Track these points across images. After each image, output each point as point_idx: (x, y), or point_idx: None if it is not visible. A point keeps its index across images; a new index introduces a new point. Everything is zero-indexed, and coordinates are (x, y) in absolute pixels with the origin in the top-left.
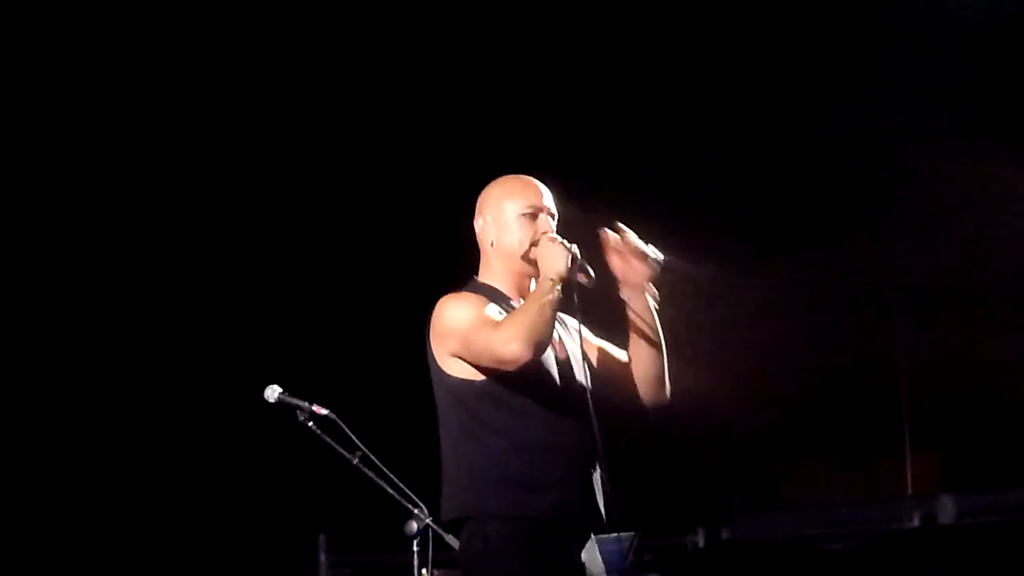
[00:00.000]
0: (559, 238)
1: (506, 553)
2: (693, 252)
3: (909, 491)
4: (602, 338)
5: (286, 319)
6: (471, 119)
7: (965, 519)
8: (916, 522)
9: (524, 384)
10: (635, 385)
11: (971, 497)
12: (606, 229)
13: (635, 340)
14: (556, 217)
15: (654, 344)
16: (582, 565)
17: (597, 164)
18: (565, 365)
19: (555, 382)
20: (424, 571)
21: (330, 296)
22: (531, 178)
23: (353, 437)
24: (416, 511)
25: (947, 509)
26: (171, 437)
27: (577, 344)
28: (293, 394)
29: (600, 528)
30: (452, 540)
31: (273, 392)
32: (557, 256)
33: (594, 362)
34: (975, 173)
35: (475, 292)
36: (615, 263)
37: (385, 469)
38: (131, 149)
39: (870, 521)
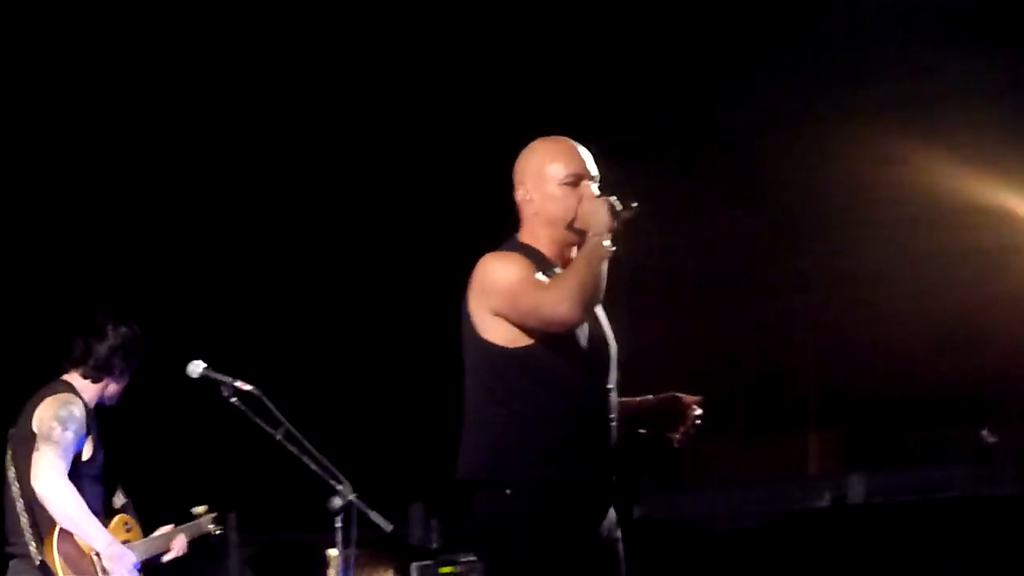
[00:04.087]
0: (597, 193)
1: (521, 522)
2: None
3: (813, 470)
4: None
5: (209, 295)
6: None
7: (875, 498)
8: (826, 501)
9: (556, 353)
10: None
11: (880, 476)
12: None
13: None
14: (598, 178)
15: None
16: (600, 534)
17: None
18: (596, 335)
19: (585, 353)
20: (330, 551)
21: (256, 272)
22: (570, 141)
23: (277, 413)
24: (340, 487)
25: (857, 488)
26: None
27: (604, 314)
28: (217, 369)
29: (616, 500)
30: (377, 517)
31: (197, 367)
32: (600, 211)
33: None
34: (882, 158)
35: (519, 252)
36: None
37: (309, 445)
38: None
39: (780, 500)
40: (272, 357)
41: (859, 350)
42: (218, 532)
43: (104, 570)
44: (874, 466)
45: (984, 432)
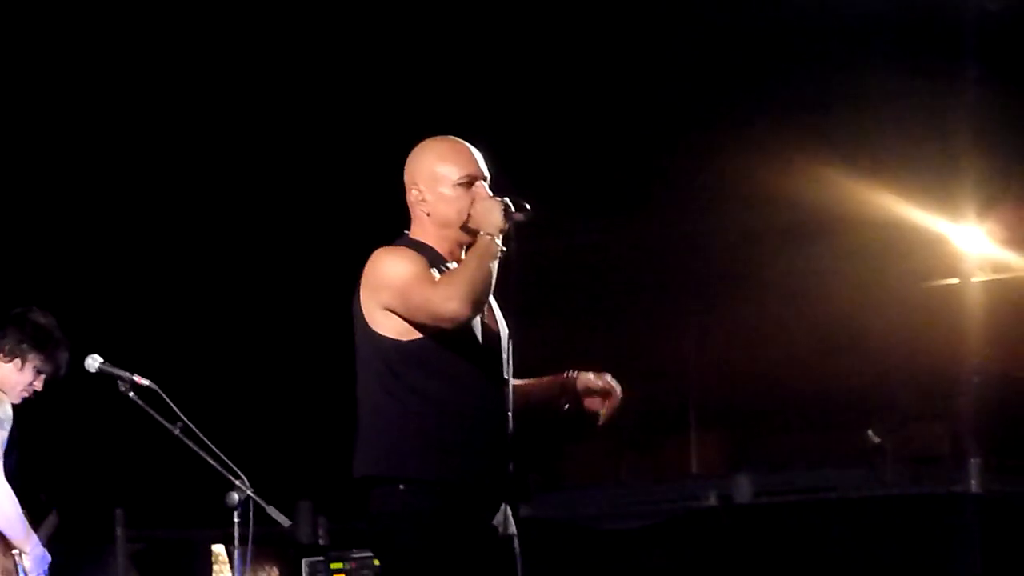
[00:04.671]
0: (490, 193)
1: (417, 518)
2: None
3: (695, 472)
4: None
5: (104, 289)
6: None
7: (761, 498)
8: (713, 501)
9: (449, 346)
10: None
11: (766, 476)
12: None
13: None
14: (489, 178)
15: None
16: (495, 529)
17: None
18: (490, 329)
19: (480, 346)
20: (216, 547)
21: (151, 268)
22: (461, 141)
23: (175, 408)
24: (237, 482)
25: (743, 488)
26: None
27: (498, 307)
28: (114, 364)
29: (512, 494)
30: (275, 513)
31: (94, 362)
32: (492, 211)
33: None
34: (773, 165)
35: (410, 248)
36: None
37: (206, 440)
38: None
39: (668, 499)
40: (155, 351)
41: (744, 353)
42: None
43: (26, 571)
44: (758, 467)
45: (868, 434)
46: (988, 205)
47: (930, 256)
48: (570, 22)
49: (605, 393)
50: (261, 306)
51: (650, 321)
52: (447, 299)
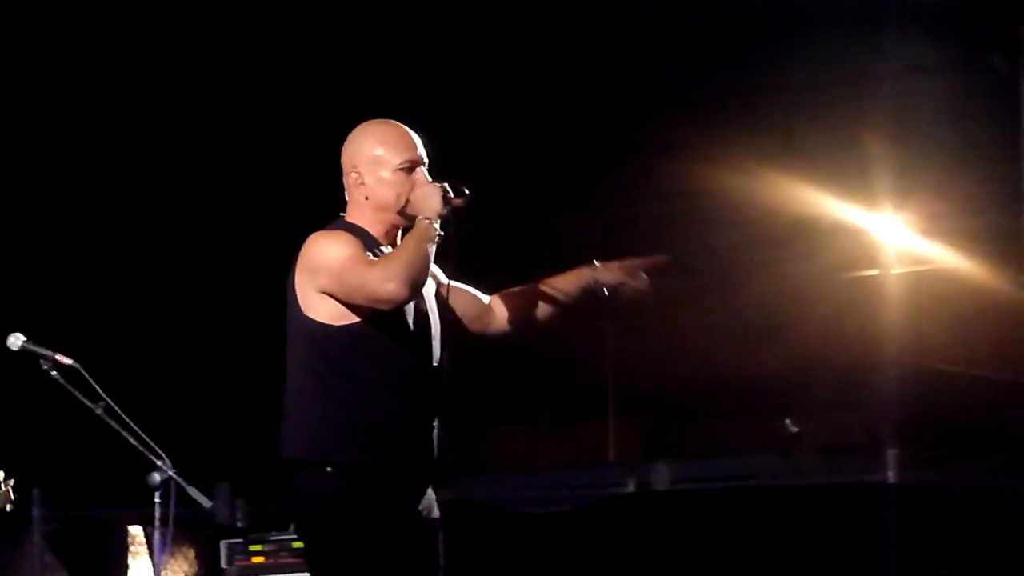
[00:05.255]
0: (429, 179)
1: (342, 501)
2: None
3: (611, 458)
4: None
5: (28, 267)
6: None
7: (679, 485)
8: (631, 487)
9: (380, 332)
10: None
11: (684, 464)
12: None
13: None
14: (427, 163)
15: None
16: (419, 514)
17: None
18: (421, 314)
19: (411, 332)
20: (132, 528)
21: (77, 245)
22: (401, 126)
23: (97, 387)
24: (159, 463)
25: (661, 475)
26: None
27: (432, 293)
28: (37, 342)
29: (436, 479)
30: (196, 494)
31: (16, 340)
32: (431, 196)
33: (449, 301)
34: (666, 152)
35: (347, 231)
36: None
37: (128, 419)
38: None
39: (586, 485)
40: (77, 330)
41: (658, 345)
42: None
43: None
44: (676, 455)
45: (786, 423)
46: (906, 196)
47: (848, 247)
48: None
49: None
50: (183, 286)
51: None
52: (385, 280)
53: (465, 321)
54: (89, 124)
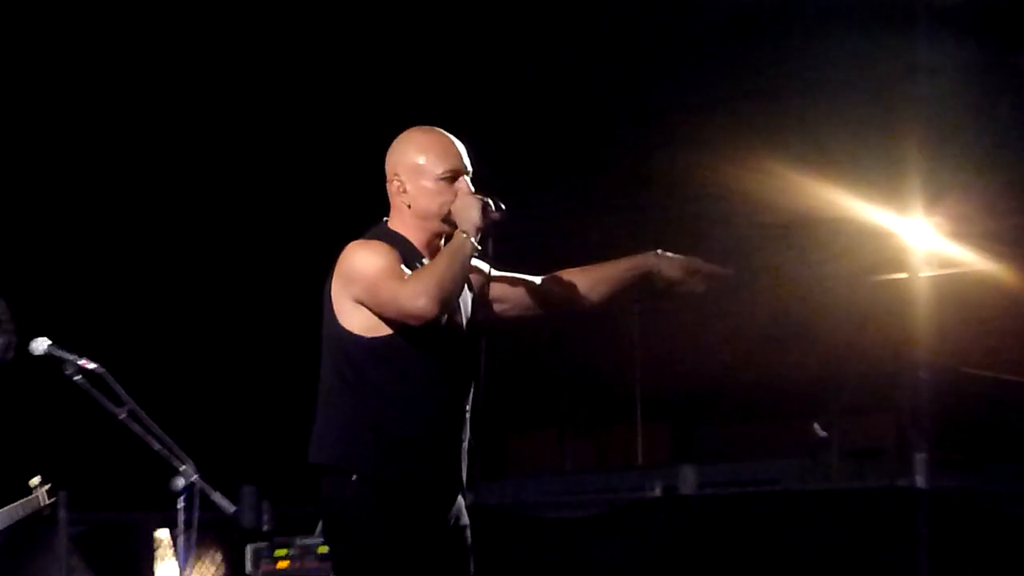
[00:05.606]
0: (472, 190)
1: (368, 509)
2: None
3: (639, 462)
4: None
5: (54, 271)
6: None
7: (705, 489)
8: (657, 492)
9: (413, 345)
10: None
11: (711, 467)
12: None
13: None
14: (471, 173)
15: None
16: (446, 521)
17: None
18: (456, 327)
19: (443, 345)
20: (159, 532)
21: (103, 250)
22: (445, 133)
23: (121, 392)
24: (183, 468)
25: (688, 479)
26: None
27: (470, 300)
28: (61, 346)
29: (460, 490)
30: (219, 498)
31: (41, 344)
32: (470, 208)
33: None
34: (695, 153)
35: (386, 241)
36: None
37: (153, 424)
38: None
39: (613, 489)
40: (102, 335)
41: (687, 346)
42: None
43: None
44: (703, 458)
45: (814, 426)
46: (936, 199)
47: (878, 250)
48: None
49: (696, 272)
50: (211, 289)
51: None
52: (415, 295)
53: (516, 310)
54: (123, 128)
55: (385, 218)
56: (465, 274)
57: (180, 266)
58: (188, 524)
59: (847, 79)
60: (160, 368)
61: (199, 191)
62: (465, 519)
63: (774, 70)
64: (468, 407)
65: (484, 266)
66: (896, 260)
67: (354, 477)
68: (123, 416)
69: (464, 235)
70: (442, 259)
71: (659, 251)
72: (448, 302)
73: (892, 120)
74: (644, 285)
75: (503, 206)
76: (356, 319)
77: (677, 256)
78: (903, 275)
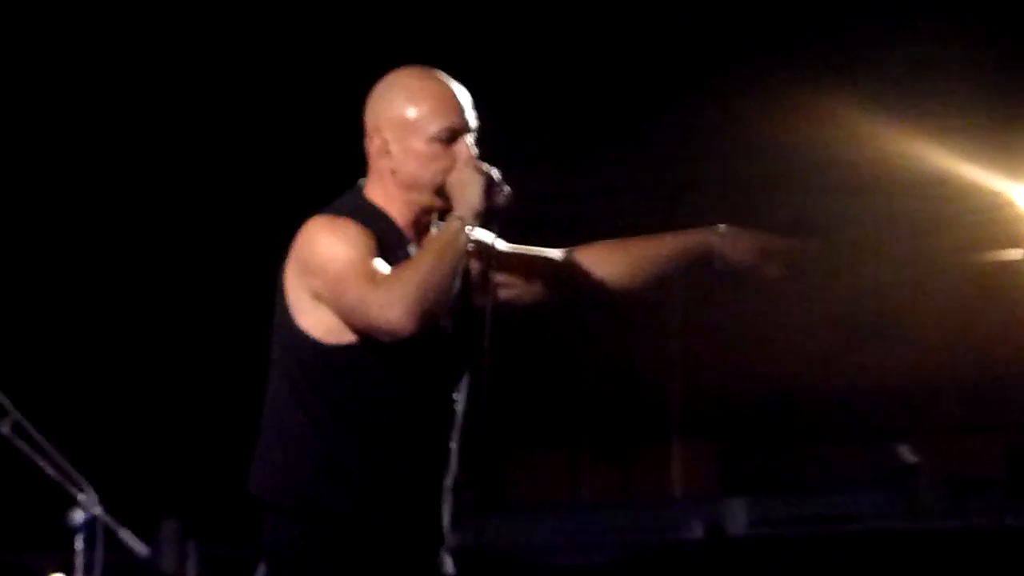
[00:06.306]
0: (474, 154)
1: (319, 559)
2: None
3: (678, 493)
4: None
5: None
6: None
7: (760, 529)
8: (698, 532)
9: (384, 355)
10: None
11: (767, 502)
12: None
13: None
14: (476, 130)
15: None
16: (420, 572)
17: None
18: (441, 333)
19: (424, 354)
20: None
21: None
22: (444, 78)
23: (4, 400)
24: (82, 496)
25: (737, 516)
26: None
27: (467, 292)
28: None
29: (439, 540)
30: (129, 537)
31: None
32: (469, 184)
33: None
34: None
35: (360, 218)
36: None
37: (44, 442)
38: None
39: (640, 529)
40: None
41: (739, 345)
42: None
43: None
44: (757, 489)
45: (902, 449)
46: None
47: (987, 223)
48: None
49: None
50: (123, 276)
51: (622, 309)
52: (387, 305)
53: (528, 297)
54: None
55: (361, 181)
56: (456, 276)
57: (89, 252)
58: (89, 569)
59: (952, 28)
60: (55, 372)
61: (98, 169)
62: (449, 568)
63: (870, 17)
64: (453, 436)
65: (487, 237)
66: (1011, 234)
67: (306, 514)
68: (6, 431)
69: (459, 221)
70: (427, 256)
71: (722, 227)
72: (430, 313)
73: (1007, 70)
74: (700, 272)
75: (508, 188)
76: (314, 318)
77: (746, 233)
78: (1020, 253)
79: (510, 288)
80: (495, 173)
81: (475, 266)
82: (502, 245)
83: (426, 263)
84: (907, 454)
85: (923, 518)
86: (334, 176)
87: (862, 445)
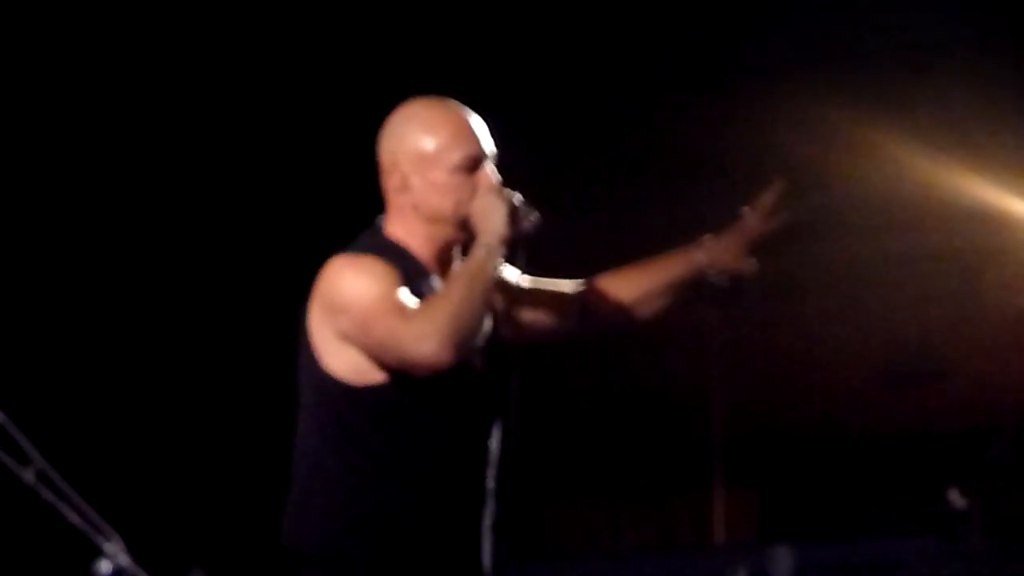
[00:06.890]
0: (497, 187)
1: None
2: None
3: (719, 538)
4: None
5: None
6: None
7: None
8: None
9: (418, 395)
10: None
11: (812, 549)
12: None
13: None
14: (495, 157)
15: None
16: None
17: None
18: (474, 370)
19: (459, 395)
20: None
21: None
22: (459, 107)
23: (29, 447)
24: (108, 546)
25: (782, 563)
26: None
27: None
28: None
29: None
30: None
31: None
32: (492, 211)
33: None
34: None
35: (382, 255)
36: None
37: (69, 489)
38: None
39: (682, 574)
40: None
41: (783, 385)
42: None
43: None
44: (801, 535)
45: (953, 494)
46: None
47: None
48: None
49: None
50: (149, 309)
51: (662, 336)
52: (420, 338)
53: (546, 328)
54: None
55: (380, 218)
56: (488, 304)
57: (113, 283)
58: None
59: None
60: (80, 416)
61: (137, 195)
62: None
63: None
64: (490, 474)
65: (510, 272)
66: None
67: (344, 566)
68: (30, 478)
69: (485, 249)
70: (456, 286)
71: (706, 237)
72: (464, 344)
73: None
74: (701, 294)
75: (535, 213)
76: (342, 359)
77: (726, 233)
78: None
79: (529, 320)
80: (519, 198)
81: (498, 299)
82: (513, 275)
83: (457, 293)
84: (958, 500)
85: (974, 566)
86: (346, 219)
87: (911, 490)
